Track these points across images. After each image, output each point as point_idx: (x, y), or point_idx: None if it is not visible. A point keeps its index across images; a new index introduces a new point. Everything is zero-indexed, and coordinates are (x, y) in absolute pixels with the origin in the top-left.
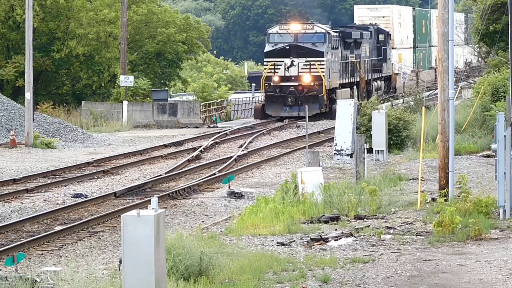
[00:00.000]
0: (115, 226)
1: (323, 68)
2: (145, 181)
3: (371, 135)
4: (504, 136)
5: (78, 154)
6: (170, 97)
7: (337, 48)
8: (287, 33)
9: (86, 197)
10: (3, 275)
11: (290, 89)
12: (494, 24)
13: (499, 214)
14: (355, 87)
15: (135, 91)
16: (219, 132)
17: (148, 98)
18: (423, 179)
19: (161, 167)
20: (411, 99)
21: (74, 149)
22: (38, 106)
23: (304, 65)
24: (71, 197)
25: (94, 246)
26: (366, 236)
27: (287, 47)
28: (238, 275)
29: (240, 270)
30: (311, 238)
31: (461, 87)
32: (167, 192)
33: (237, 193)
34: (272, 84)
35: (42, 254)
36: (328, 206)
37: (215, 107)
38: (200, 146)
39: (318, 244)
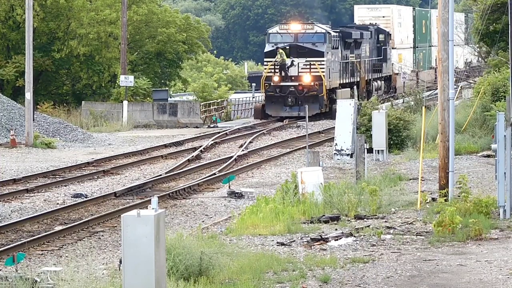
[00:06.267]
0: (115, 226)
1: (323, 68)
2: (145, 181)
3: (371, 135)
4: (504, 136)
5: (78, 154)
6: (170, 97)
7: (337, 48)
8: (287, 33)
9: (86, 197)
10: (3, 275)
11: (290, 89)
12: (494, 24)
13: (499, 214)
14: (355, 87)
15: (135, 91)
16: (219, 132)
17: (148, 98)
18: (423, 179)
19: (161, 167)
20: (411, 99)
21: (74, 149)
22: (38, 106)
23: (304, 65)
24: (71, 197)
25: (94, 246)
26: (366, 236)
27: (287, 47)
28: (238, 275)
29: (240, 270)
30: (311, 238)
31: (461, 87)
32: (167, 192)
33: (237, 193)
34: (272, 84)
35: (42, 254)
36: (328, 206)
37: (215, 107)
38: (200, 146)
39: (318, 244)
